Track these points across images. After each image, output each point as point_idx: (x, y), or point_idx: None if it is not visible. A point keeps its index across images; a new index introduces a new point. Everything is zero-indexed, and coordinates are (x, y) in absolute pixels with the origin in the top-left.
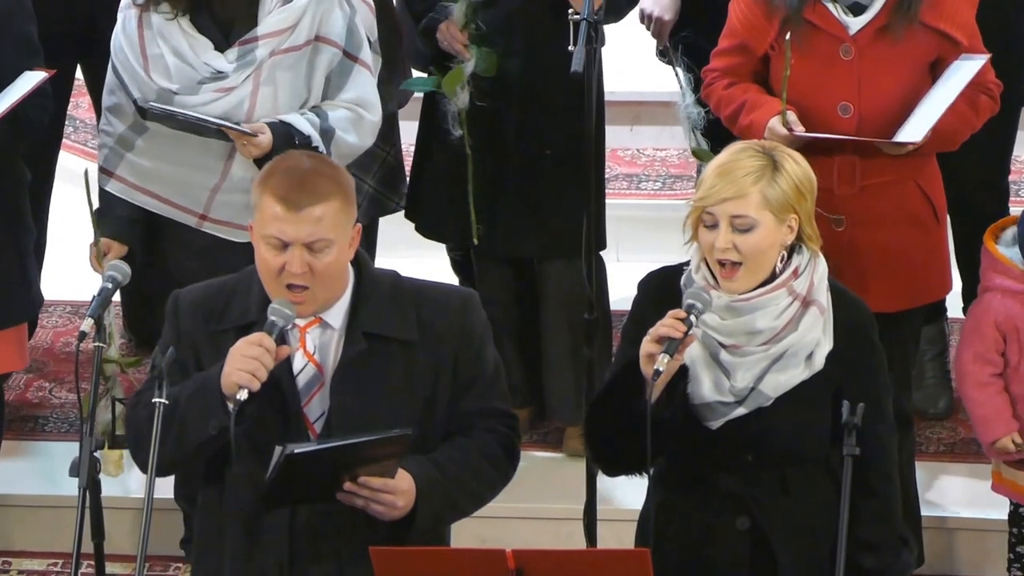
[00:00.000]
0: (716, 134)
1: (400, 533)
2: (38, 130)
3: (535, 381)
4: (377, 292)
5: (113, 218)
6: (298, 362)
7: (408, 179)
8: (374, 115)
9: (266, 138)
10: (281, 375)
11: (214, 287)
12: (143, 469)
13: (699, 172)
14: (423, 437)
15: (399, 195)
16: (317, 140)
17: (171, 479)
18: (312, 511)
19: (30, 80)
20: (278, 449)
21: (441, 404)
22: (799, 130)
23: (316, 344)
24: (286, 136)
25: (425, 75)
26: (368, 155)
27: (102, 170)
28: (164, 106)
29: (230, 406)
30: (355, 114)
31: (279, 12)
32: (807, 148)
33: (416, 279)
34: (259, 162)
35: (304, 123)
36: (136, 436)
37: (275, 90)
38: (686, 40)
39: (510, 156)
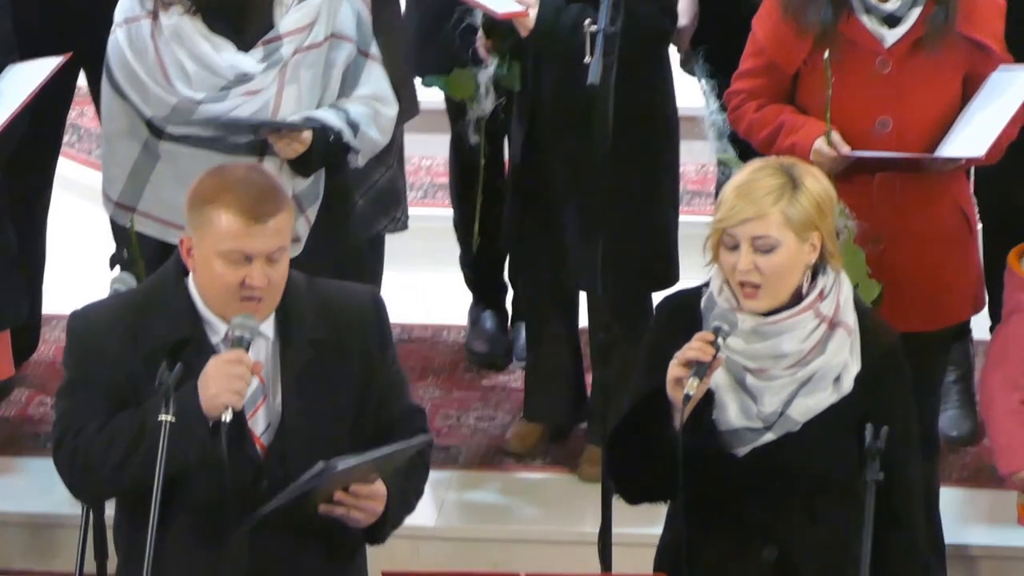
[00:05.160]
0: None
1: (360, 540)
2: None
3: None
4: (301, 297)
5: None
6: None
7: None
8: (390, 109)
9: (309, 134)
10: None
11: (118, 305)
12: (94, 498)
13: (718, 187)
14: (354, 440)
15: (389, 217)
16: (348, 134)
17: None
18: (271, 532)
19: (39, 69)
20: (320, 464)
21: (370, 406)
22: (845, 150)
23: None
24: (321, 132)
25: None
26: (360, 174)
27: (119, 205)
28: (205, 116)
29: (223, 419)
30: (372, 109)
31: (296, 10)
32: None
33: (323, 280)
34: (293, 163)
35: (333, 118)
36: (83, 464)
37: (299, 88)
38: (707, 48)
39: (542, 176)
